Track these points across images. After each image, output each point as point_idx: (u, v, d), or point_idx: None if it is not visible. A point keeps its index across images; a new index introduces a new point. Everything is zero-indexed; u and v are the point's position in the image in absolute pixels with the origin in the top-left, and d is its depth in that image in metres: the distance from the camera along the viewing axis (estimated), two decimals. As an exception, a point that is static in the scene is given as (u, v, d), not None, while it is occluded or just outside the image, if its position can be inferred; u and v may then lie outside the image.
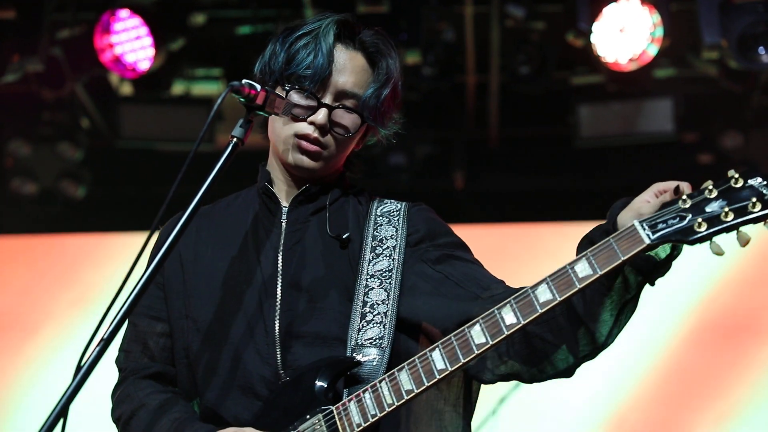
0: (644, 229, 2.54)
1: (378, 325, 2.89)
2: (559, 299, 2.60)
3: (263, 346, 2.91)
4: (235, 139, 2.73)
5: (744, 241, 2.47)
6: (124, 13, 7.08)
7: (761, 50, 6.65)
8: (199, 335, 2.96)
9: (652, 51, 6.87)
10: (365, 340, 2.88)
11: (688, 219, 2.51)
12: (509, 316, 2.65)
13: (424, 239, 3.05)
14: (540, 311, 2.62)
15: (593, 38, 6.84)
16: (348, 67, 3.03)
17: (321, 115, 2.98)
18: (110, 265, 7.92)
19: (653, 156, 7.99)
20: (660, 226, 2.53)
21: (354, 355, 2.86)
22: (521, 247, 8.28)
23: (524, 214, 8.44)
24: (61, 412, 2.40)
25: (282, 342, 2.90)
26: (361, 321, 2.90)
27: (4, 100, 7.86)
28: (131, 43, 7.12)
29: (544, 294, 2.62)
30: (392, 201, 3.15)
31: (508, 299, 2.65)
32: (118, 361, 3.11)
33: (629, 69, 6.96)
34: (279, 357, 2.89)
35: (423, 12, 7.20)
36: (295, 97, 2.99)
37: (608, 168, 8.23)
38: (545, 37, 7.44)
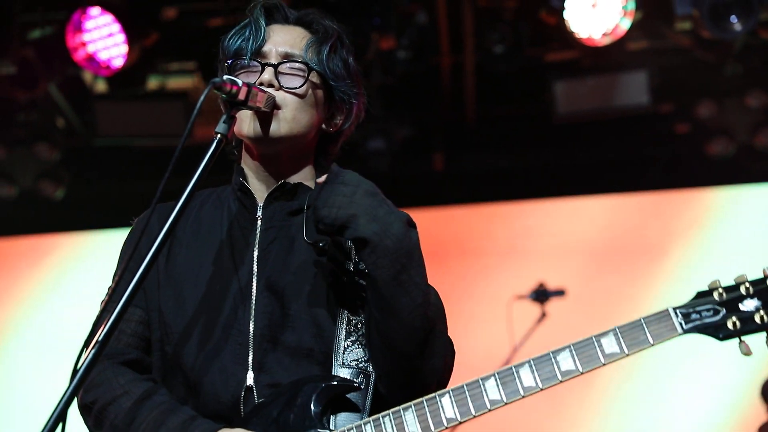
0: (677, 317, 2.55)
1: (363, 346, 2.84)
2: (581, 371, 2.59)
3: (236, 347, 2.84)
4: (219, 135, 2.69)
5: None
6: (95, 10, 7.04)
7: (733, 19, 6.66)
8: (171, 331, 2.90)
9: (625, 24, 6.89)
10: (351, 360, 2.82)
11: (721, 314, 2.52)
12: (528, 378, 2.62)
13: None
14: (561, 379, 2.60)
15: (566, 14, 6.86)
16: (283, 33, 3.00)
17: (267, 74, 2.92)
18: (94, 264, 7.88)
19: (630, 128, 8.00)
20: (693, 316, 2.54)
21: (350, 378, 2.80)
22: (504, 226, 8.30)
23: (505, 193, 8.45)
24: (60, 415, 2.37)
25: (256, 345, 2.84)
26: (346, 339, 2.84)
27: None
28: (104, 40, 7.08)
29: (565, 362, 2.61)
30: None
31: (528, 360, 2.63)
32: None
33: (603, 43, 6.98)
34: (251, 359, 2.83)
35: (394, -5, 7.19)
36: (242, 77, 2.92)
37: (586, 143, 8.25)
38: (518, 15, 7.45)
